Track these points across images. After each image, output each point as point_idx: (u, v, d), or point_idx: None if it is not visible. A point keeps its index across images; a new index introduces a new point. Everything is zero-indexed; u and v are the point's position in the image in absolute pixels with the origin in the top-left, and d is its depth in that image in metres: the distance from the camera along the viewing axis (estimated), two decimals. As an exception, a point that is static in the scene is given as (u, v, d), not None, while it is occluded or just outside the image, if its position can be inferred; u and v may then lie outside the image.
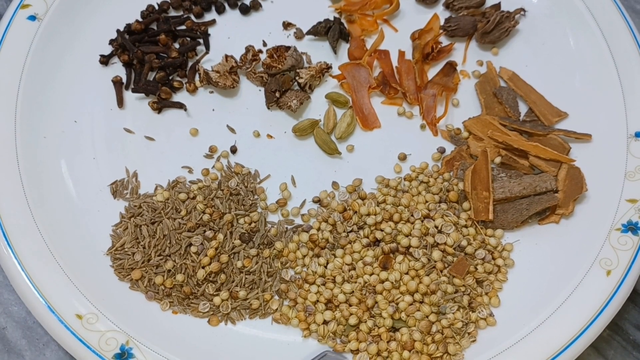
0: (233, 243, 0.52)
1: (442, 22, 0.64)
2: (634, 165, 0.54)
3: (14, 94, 0.57)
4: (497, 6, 0.65)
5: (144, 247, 0.51)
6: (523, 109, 0.60)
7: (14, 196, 0.52)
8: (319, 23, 0.63)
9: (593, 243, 0.51)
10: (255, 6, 0.65)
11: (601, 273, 0.49)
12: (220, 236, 0.52)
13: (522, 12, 0.64)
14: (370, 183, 0.56)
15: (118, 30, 0.61)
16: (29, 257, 0.50)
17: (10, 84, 0.57)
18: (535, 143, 0.55)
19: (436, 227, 0.52)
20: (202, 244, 0.51)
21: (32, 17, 0.60)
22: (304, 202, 0.55)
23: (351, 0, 0.65)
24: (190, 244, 0.51)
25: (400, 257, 0.50)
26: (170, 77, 0.61)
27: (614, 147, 0.55)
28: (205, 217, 0.52)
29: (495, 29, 0.62)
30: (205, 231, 0.52)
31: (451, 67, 0.61)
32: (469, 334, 0.48)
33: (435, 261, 0.50)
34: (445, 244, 0.50)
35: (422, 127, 0.59)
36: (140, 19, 0.63)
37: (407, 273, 0.49)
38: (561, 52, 0.62)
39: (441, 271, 0.50)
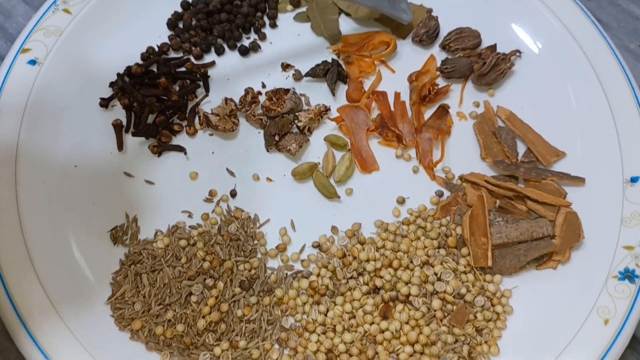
0: (233, 291, 0.52)
1: (438, 63, 0.65)
2: (630, 211, 0.54)
3: (14, 139, 0.57)
4: (493, 48, 0.65)
5: (144, 296, 0.51)
6: (521, 148, 0.61)
7: (13, 244, 0.52)
8: (318, 65, 0.64)
9: (590, 290, 0.51)
10: (255, 48, 0.66)
11: (599, 322, 0.49)
12: (221, 284, 0.52)
13: (517, 54, 0.64)
14: (370, 227, 0.57)
15: (118, 74, 0.62)
16: (27, 306, 0.50)
17: (10, 130, 0.57)
18: (531, 188, 0.56)
19: (435, 274, 0.52)
20: (202, 292, 0.51)
21: (33, 62, 0.60)
22: (303, 247, 0.56)
23: (349, 41, 0.66)
24: (191, 293, 0.51)
25: (400, 306, 0.50)
26: (170, 120, 0.61)
27: (609, 192, 0.56)
28: (206, 264, 0.52)
29: (492, 71, 0.63)
30: (205, 279, 0.52)
31: (444, 110, 0.62)
32: (469, 384, 0.48)
33: (435, 310, 0.50)
34: (444, 292, 0.51)
35: (415, 169, 0.59)
36: (140, 62, 0.63)
37: (407, 323, 0.49)
38: (556, 94, 0.63)
39: (441, 320, 0.50)
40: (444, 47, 0.66)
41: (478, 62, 0.64)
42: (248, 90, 0.62)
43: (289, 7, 0.69)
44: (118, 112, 0.61)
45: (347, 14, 0.69)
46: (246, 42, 0.66)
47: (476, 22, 0.66)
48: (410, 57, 0.66)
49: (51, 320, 0.49)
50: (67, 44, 0.62)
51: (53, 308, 0.50)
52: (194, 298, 0.51)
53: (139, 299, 0.51)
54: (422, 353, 0.49)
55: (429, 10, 0.67)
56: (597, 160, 0.58)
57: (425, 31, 0.65)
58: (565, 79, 0.63)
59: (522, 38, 0.66)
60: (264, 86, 0.64)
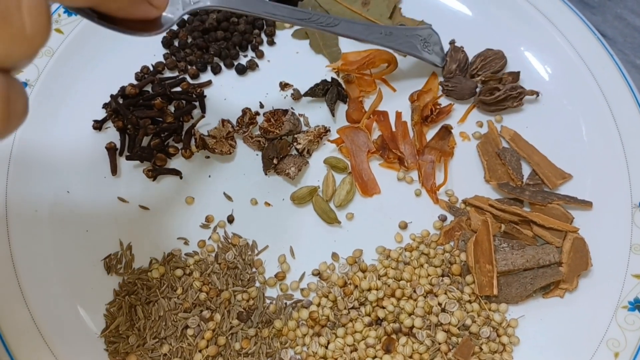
0: (231, 323, 0.50)
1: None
2: (639, 238, 0.52)
3: (5, 164, 0.56)
4: (516, 76, 0.62)
5: (139, 329, 0.49)
6: (526, 170, 0.59)
7: (3, 272, 0.51)
8: (317, 85, 0.62)
9: (599, 321, 0.50)
10: (252, 66, 0.64)
11: (609, 355, 0.48)
12: (218, 316, 0.50)
13: (535, 95, 0.61)
14: (371, 253, 0.55)
15: (111, 95, 0.60)
16: (16, 338, 0.48)
17: (1, 154, 0.56)
18: (537, 213, 0.54)
19: (440, 304, 0.50)
20: (199, 325, 0.50)
21: (24, 84, 0.59)
22: (303, 275, 0.54)
23: (349, 59, 0.64)
24: (187, 326, 0.49)
25: (403, 339, 0.49)
26: (166, 143, 0.59)
27: (618, 217, 0.54)
28: (202, 295, 0.51)
29: (494, 104, 0.61)
30: (202, 311, 0.50)
31: (446, 130, 0.60)
32: (475, 420, 0.47)
33: (439, 343, 0.48)
34: (449, 324, 0.49)
35: (417, 193, 0.58)
36: (134, 82, 0.62)
37: (411, 357, 0.48)
38: (562, 114, 0.61)
39: (446, 354, 0.48)
40: (472, 76, 0.64)
41: (491, 84, 0.62)
42: (245, 111, 0.61)
43: (287, 24, 0.67)
44: (111, 134, 0.60)
45: (347, 31, 0.67)
46: (243, 61, 0.65)
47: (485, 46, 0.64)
48: (411, 76, 0.64)
49: (42, 354, 0.48)
50: (59, 64, 0.61)
51: (44, 341, 0.49)
52: (190, 331, 0.49)
53: (134, 332, 0.49)
54: (426, 389, 0.47)
55: (452, 42, 0.64)
56: (605, 183, 0.56)
57: (457, 65, 0.62)
58: (571, 98, 0.61)
59: (528, 58, 0.64)
60: (261, 106, 0.62)
